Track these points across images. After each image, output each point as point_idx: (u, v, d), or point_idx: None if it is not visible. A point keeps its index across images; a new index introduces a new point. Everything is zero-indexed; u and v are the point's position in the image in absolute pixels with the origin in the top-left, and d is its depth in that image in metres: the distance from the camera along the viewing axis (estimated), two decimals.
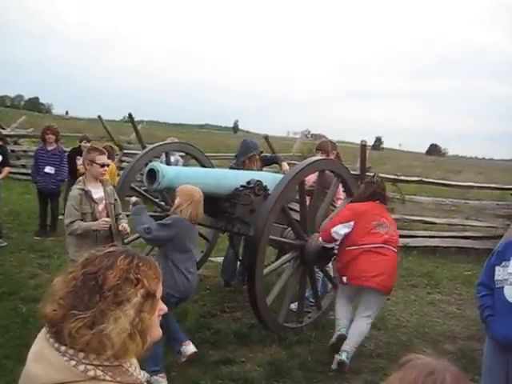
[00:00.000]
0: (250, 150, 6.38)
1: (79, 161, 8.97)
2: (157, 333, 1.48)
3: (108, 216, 4.78)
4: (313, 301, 5.86)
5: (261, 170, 6.45)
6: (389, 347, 5.31)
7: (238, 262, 6.62)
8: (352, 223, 4.78)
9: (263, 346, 5.09)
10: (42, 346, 1.38)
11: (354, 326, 4.81)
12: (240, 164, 6.39)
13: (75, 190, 4.67)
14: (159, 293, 1.47)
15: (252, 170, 6.27)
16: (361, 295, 4.95)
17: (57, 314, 1.35)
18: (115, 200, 4.95)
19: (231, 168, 6.52)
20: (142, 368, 1.51)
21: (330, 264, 5.88)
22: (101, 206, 4.76)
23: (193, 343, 4.43)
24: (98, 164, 4.74)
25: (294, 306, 5.74)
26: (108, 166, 5.05)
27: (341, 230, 4.80)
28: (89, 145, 9.24)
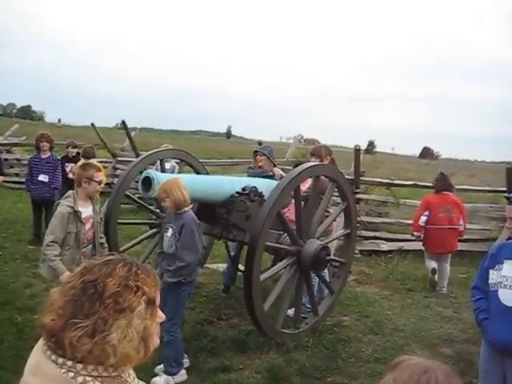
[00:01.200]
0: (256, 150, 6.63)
1: (67, 168, 8.99)
2: (156, 341, 1.47)
3: (94, 235, 4.73)
4: (309, 307, 5.85)
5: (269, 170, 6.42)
6: (386, 352, 5.30)
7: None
8: (427, 212, 7.45)
9: (261, 352, 5.08)
10: (38, 358, 1.37)
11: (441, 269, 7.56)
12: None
13: (64, 207, 4.51)
14: (158, 300, 1.47)
15: (257, 168, 6.44)
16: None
17: (56, 323, 1.34)
18: (100, 219, 4.91)
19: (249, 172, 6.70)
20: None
21: (325, 270, 5.89)
22: (87, 226, 4.66)
23: (189, 351, 4.45)
24: (96, 182, 4.63)
25: (290, 312, 5.74)
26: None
27: (422, 219, 7.45)
28: (75, 150, 9.26)
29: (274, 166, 6.58)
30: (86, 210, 4.66)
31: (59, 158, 9.10)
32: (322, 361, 4.99)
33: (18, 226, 9.73)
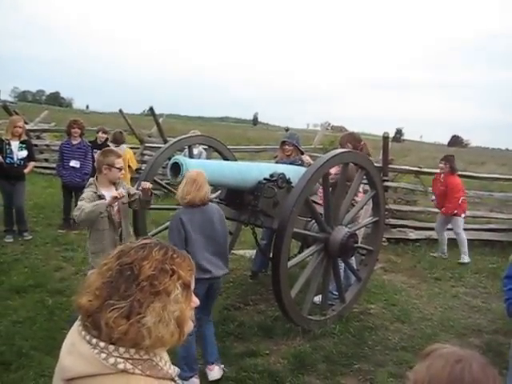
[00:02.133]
0: (284, 140, 6.59)
1: (96, 154, 9.05)
2: (190, 325, 1.48)
3: (120, 219, 4.74)
4: (336, 294, 5.84)
5: (297, 159, 6.41)
6: (413, 340, 5.28)
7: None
8: None
9: (287, 338, 5.11)
10: (74, 338, 1.39)
11: None
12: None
13: (89, 193, 4.56)
14: (193, 284, 1.49)
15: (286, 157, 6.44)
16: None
17: (93, 304, 1.35)
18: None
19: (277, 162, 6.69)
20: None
21: (353, 257, 5.86)
22: (115, 208, 4.69)
23: (216, 336, 4.45)
24: (117, 168, 4.69)
25: (317, 299, 5.74)
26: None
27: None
28: (105, 136, 9.31)
29: (302, 153, 6.56)
30: (110, 194, 4.66)
31: (90, 144, 9.19)
32: (349, 348, 4.99)
33: (47, 210, 9.91)
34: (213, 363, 4.29)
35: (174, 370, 1.48)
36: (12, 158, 7.73)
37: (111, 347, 1.33)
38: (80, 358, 1.34)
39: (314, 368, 4.60)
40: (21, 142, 7.85)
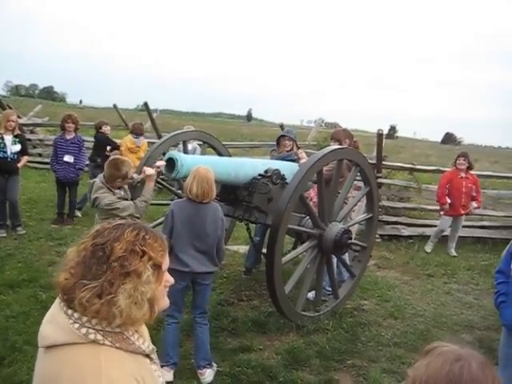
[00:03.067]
0: (284, 134, 6.68)
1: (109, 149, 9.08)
2: (164, 303, 1.56)
3: None
4: (329, 290, 5.86)
5: (293, 154, 6.46)
6: (406, 336, 5.31)
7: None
8: None
9: (281, 334, 5.13)
10: (55, 309, 1.48)
11: None
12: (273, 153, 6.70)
13: (109, 196, 4.68)
14: (165, 265, 1.54)
15: (283, 152, 6.49)
16: None
17: (68, 282, 1.42)
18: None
19: (272, 156, 6.76)
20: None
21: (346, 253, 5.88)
22: None
23: (210, 331, 4.45)
24: (129, 179, 4.91)
25: (310, 295, 5.76)
26: None
27: None
28: (109, 128, 9.34)
29: (298, 148, 6.61)
30: (119, 192, 4.85)
31: (84, 139, 9.18)
32: (342, 344, 5.01)
33: (41, 205, 9.87)
34: (204, 367, 4.25)
35: (147, 347, 1.53)
36: (5, 153, 7.69)
37: (84, 318, 1.40)
38: (57, 328, 1.42)
39: (307, 363, 4.62)
40: (14, 136, 7.81)
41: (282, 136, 6.67)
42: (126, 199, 4.82)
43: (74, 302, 1.40)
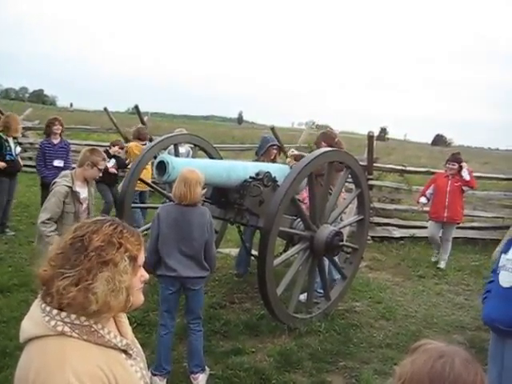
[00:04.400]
0: (265, 144, 6.76)
1: (109, 164, 8.64)
2: (140, 299, 1.63)
3: (89, 216, 4.77)
4: (321, 291, 5.88)
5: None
6: (398, 337, 5.34)
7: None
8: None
9: (273, 336, 5.13)
10: (33, 306, 1.55)
11: None
12: (259, 159, 6.67)
13: (62, 187, 4.57)
14: (141, 259, 1.62)
15: (270, 161, 6.56)
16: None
17: (47, 273, 1.49)
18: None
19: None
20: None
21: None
22: (84, 206, 4.76)
23: (203, 335, 4.45)
24: (99, 169, 4.79)
25: (302, 297, 5.76)
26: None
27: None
28: (121, 151, 8.96)
29: (283, 153, 6.81)
30: (83, 191, 4.78)
31: (70, 142, 9.09)
32: (334, 345, 5.02)
33: (32, 209, 9.80)
34: (197, 372, 4.23)
35: (120, 341, 1.58)
36: (11, 155, 7.79)
37: (55, 311, 1.47)
38: (32, 322, 1.50)
39: (299, 365, 4.63)
40: (13, 138, 7.92)
41: (272, 145, 6.78)
42: (79, 200, 4.66)
43: (52, 291, 1.46)
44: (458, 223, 8.33)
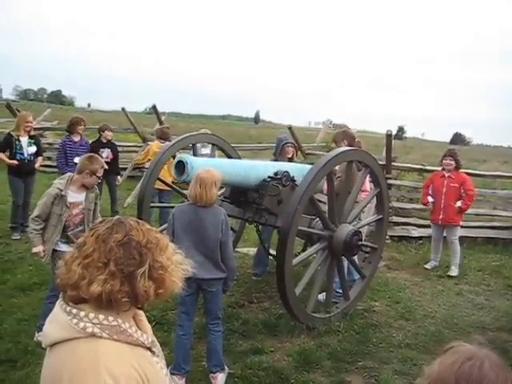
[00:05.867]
0: (280, 143, 6.83)
1: (103, 153, 8.98)
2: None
3: (82, 220, 4.85)
4: (340, 291, 5.85)
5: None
6: (417, 338, 5.29)
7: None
8: None
9: (291, 336, 5.12)
10: (55, 310, 1.55)
11: None
12: (278, 159, 6.70)
13: (53, 189, 4.67)
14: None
15: (287, 160, 6.59)
16: None
17: (114, 285, 1.47)
18: (95, 204, 4.98)
19: None
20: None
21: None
22: (75, 211, 4.78)
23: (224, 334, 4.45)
24: (97, 177, 4.82)
25: (321, 296, 5.75)
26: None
27: None
28: (110, 134, 9.21)
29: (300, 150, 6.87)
30: (78, 196, 4.79)
31: (89, 142, 9.17)
32: (353, 345, 5.00)
33: None
34: (216, 372, 4.24)
35: (146, 339, 1.58)
36: (22, 154, 7.80)
37: (82, 313, 1.47)
38: (56, 325, 1.49)
39: (318, 365, 4.61)
40: (30, 138, 7.90)
41: (286, 143, 6.80)
42: (67, 205, 4.71)
43: (136, 292, 1.48)
44: (458, 225, 7.81)
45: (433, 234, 8.08)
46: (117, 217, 1.64)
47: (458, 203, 7.53)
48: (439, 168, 8.86)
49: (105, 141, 9.20)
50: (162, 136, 9.10)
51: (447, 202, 7.58)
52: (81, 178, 4.76)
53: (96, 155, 5.13)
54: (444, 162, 7.77)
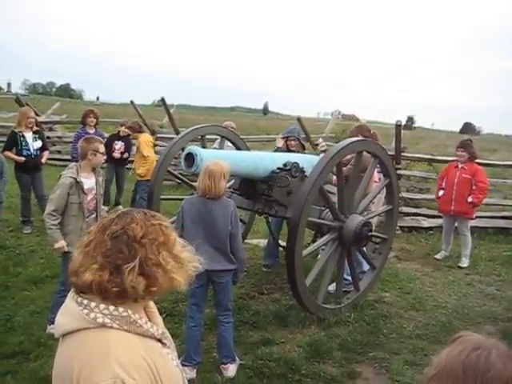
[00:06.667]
0: (288, 133, 6.83)
1: (117, 145, 9.20)
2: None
3: (95, 207, 4.90)
4: (349, 278, 5.84)
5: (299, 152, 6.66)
6: (428, 328, 5.29)
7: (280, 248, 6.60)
8: None
9: (302, 327, 5.14)
10: (67, 301, 1.57)
11: None
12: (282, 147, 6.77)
13: (67, 178, 4.66)
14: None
15: (289, 150, 6.61)
16: None
17: (102, 276, 1.48)
18: (103, 191, 5.13)
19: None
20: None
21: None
22: (89, 197, 4.82)
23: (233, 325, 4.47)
24: (101, 153, 4.85)
25: (331, 287, 5.75)
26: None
27: None
28: (127, 131, 9.37)
29: (304, 148, 6.88)
30: (89, 182, 4.84)
31: (106, 135, 9.31)
32: (364, 336, 5.00)
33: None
34: (227, 363, 4.27)
35: (156, 331, 1.59)
36: (28, 150, 7.80)
37: (93, 304, 1.48)
38: (68, 316, 1.52)
39: (329, 356, 4.62)
40: (34, 133, 7.91)
41: (288, 136, 6.79)
42: (84, 191, 4.74)
43: (125, 286, 1.47)
44: (470, 218, 7.69)
45: (444, 225, 8.03)
46: (128, 208, 1.64)
47: (470, 198, 7.43)
48: (450, 158, 8.81)
49: (122, 135, 9.47)
50: (141, 130, 9.25)
51: (459, 193, 7.49)
52: (88, 162, 4.80)
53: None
54: (456, 153, 7.75)
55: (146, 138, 9.05)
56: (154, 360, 1.51)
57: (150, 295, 1.56)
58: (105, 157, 5.07)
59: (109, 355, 1.42)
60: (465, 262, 7.59)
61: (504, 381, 1.19)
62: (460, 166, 7.60)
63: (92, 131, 8.82)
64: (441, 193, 7.75)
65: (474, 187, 7.45)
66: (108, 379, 1.38)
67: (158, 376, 1.50)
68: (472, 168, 7.56)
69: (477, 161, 8.02)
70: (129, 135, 9.36)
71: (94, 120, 9.01)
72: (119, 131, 9.56)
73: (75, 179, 4.67)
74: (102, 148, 4.85)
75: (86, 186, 4.75)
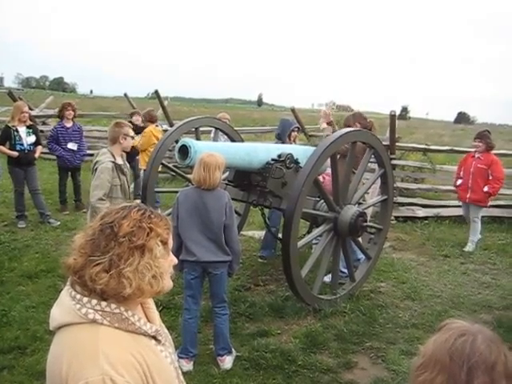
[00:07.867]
0: (288, 128, 6.79)
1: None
2: (169, 283, 1.63)
3: (128, 186, 5.11)
4: (345, 271, 5.86)
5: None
6: (424, 317, 5.30)
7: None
8: None
9: (298, 318, 5.14)
10: (62, 293, 1.57)
11: None
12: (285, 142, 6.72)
13: (108, 163, 4.77)
14: (170, 243, 1.63)
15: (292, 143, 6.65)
16: None
17: (78, 262, 1.50)
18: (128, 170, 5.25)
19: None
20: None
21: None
22: (127, 178, 5.05)
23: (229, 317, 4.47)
24: (130, 137, 5.05)
25: (327, 278, 5.76)
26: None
27: None
28: (140, 119, 9.34)
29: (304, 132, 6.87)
30: (123, 164, 5.03)
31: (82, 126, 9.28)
32: (360, 326, 5.01)
33: (56, 196, 9.84)
34: (223, 355, 4.28)
35: (149, 328, 1.58)
36: (22, 145, 7.77)
37: (85, 299, 1.49)
38: (62, 310, 1.52)
39: (325, 346, 4.63)
40: (28, 127, 7.87)
41: (295, 127, 6.89)
42: (123, 173, 4.94)
43: (85, 279, 1.46)
44: (483, 206, 7.90)
45: (464, 214, 8.30)
46: (135, 202, 1.66)
47: (486, 188, 7.64)
48: (444, 148, 8.87)
49: (140, 125, 9.37)
50: (152, 119, 9.16)
51: (474, 182, 7.73)
52: (119, 146, 4.97)
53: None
54: (473, 143, 8.00)
55: (152, 131, 8.92)
56: (146, 358, 1.51)
57: (115, 297, 1.50)
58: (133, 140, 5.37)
59: (98, 352, 1.42)
60: (470, 247, 7.81)
61: (490, 365, 1.21)
62: (476, 155, 7.81)
63: (70, 125, 8.77)
64: (459, 182, 8.02)
65: (490, 177, 7.65)
66: (96, 376, 1.39)
67: (150, 373, 1.50)
68: (488, 158, 7.75)
69: (472, 150, 8.07)
70: (137, 125, 9.20)
71: (72, 113, 8.82)
72: (132, 122, 9.36)
73: (114, 162, 4.82)
74: (131, 132, 5.07)
75: (124, 169, 4.97)
